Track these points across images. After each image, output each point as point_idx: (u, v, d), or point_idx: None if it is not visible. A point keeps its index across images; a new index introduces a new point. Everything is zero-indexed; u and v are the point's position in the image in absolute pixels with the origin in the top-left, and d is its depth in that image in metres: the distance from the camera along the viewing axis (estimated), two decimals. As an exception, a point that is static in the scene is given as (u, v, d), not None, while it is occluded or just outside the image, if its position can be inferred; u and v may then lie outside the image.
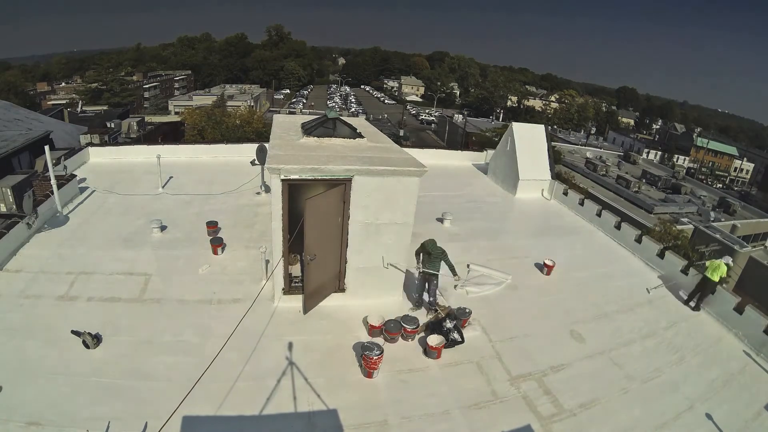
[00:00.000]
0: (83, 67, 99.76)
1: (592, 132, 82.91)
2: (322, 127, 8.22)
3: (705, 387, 7.03)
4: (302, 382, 6.19)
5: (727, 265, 8.93)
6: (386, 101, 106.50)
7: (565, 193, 14.41)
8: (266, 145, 10.76)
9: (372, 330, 7.17)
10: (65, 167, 12.26)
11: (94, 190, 12.06)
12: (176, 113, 62.67)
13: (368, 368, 6.33)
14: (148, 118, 44.25)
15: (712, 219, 33.09)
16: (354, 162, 7.12)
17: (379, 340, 6.97)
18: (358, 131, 8.45)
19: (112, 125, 32.89)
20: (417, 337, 7.29)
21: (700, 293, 9.11)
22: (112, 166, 14.32)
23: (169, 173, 13.14)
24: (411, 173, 7.21)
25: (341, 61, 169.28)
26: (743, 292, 19.97)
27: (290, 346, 6.86)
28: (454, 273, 7.77)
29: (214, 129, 28.65)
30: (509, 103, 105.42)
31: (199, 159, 15.46)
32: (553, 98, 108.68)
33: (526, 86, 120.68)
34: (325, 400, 5.95)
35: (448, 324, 7.25)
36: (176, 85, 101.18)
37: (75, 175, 11.93)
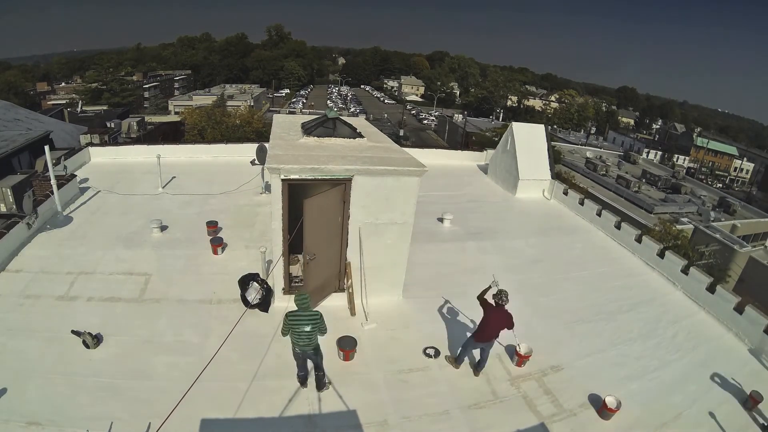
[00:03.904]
0: (83, 67, 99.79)
1: (592, 132, 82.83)
2: (322, 127, 8.21)
3: (705, 387, 7.03)
4: (302, 382, 6.18)
5: None
6: (386, 101, 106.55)
7: (565, 193, 14.41)
8: (266, 145, 10.75)
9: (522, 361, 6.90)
10: (65, 167, 12.25)
11: (97, 191, 12.04)
12: (176, 113, 62.60)
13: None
14: (148, 118, 44.26)
15: (712, 219, 33.09)
16: (354, 162, 7.12)
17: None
18: (358, 131, 8.44)
19: (112, 125, 32.94)
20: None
21: None
22: (113, 166, 14.31)
23: (169, 173, 13.13)
24: (411, 173, 7.20)
25: (341, 61, 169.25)
26: (743, 291, 19.93)
27: (290, 345, 6.84)
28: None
29: (214, 129, 28.62)
30: (509, 102, 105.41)
31: (199, 159, 15.45)
32: (553, 98, 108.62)
33: (526, 86, 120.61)
34: (325, 400, 5.95)
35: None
36: (176, 85, 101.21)
37: (75, 175, 11.92)
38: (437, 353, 7.02)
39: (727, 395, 6.91)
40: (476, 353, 6.76)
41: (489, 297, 6.42)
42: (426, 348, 7.09)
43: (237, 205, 11.75)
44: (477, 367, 6.72)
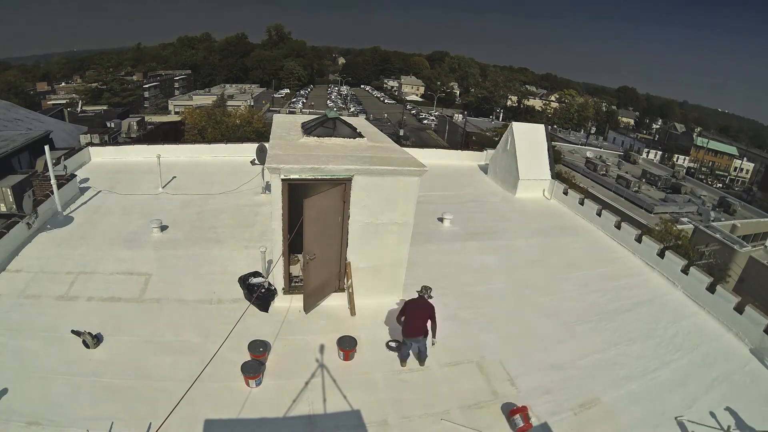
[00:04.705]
0: (83, 67, 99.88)
1: (592, 132, 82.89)
2: (322, 126, 8.21)
3: (705, 386, 7.03)
4: (302, 382, 6.19)
5: None
6: (386, 101, 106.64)
7: (565, 193, 14.41)
8: (266, 145, 10.75)
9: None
10: (65, 167, 12.25)
11: (97, 191, 12.04)
12: (176, 113, 62.70)
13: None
14: (148, 118, 44.36)
15: (712, 219, 33.12)
16: (354, 162, 7.12)
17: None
18: (358, 131, 8.44)
19: (112, 125, 32.98)
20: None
21: None
22: (113, 166, 14.31)
23: (169, 173, 13.13)
24: (411, 173, 7.21)
25: (341, 61, 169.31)
26: (743, 291, 19.96)
27: (290, 345, 6.86)
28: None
29: (214, 129, 28.63)
30: (509, 102, 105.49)
31: (199, 159, 15.45)
32: (553, 98, 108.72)
33: (526, 86, 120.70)
34: (325, 400, 5.95)
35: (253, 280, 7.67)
36: (176, 85, 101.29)
37: (75, 175, 11.92)
38: (400, 346, 7.00)
39: (727, 395, 6.91)
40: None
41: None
42: (389, 341, 7.12)
43: (237, 205, 11.75)
44: (419, 359, 6.81)
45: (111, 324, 6.90)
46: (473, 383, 6.58)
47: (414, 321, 6.46)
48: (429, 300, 6.62)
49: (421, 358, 6.79)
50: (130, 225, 10.21)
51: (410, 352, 6.72)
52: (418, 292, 6.71)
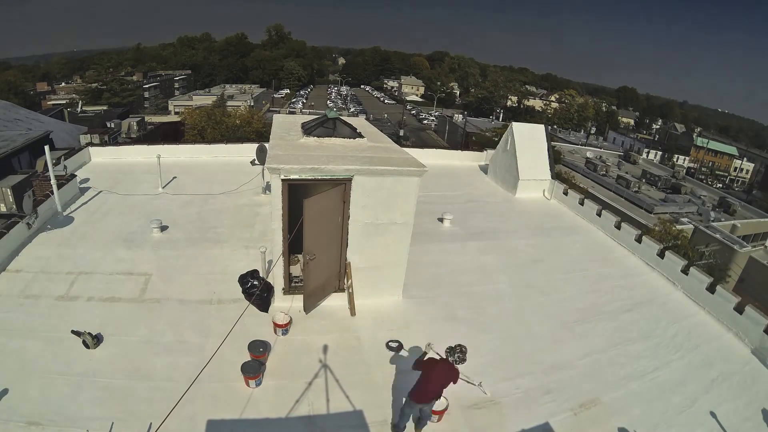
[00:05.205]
0: (83, 67, 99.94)
1: (592, 132, 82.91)
2: (322, 127, 8.21)
3: (705, 387, 7.03)
4: (302, 382, 6.19)
5: None
6: (386, 101, 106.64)
7: (565, 193, 14.41)
8: (266, 145, 10.75)
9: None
10: (65, 167, 12.24)
11: (97, 191, 12.03)
12: (176, 113, 62.73)
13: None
14: (148, 118, 44.38)
15: (712, 219, 33.14)
16: (354, 162, 7.12)
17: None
18: (358, 131, 8.44)
19: (112, 125, 33.00)
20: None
21: None
22: (113, 166, 14.31)
23: (169, 173, 13.13)
24: (411, 173, 7.21)
25: (341, 61, 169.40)
26: (743, 291, 19.97)
27: (290, 345, 6.86)
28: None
29: (214, 129, 28.62)
30: (509, 102, 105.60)
31: (199, 159, 15.45)
32: (553, 98, 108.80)
33: (526, 86, 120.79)
34: (326, 400, 5.96)
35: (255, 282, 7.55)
36: (176, 85, 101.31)
37: (75, 175, 11.91)
38: (400, 346, 7.02)
39: (727, 395, 6.92)
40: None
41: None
42: (389, 341, 7.09)
43: (237, 205, 11.74)
44: (418, 424, 5.60)
45: (111, 324, 6.90)
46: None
47: (431, 385, 5.21)
48: (455, 364, 5.29)
49: (421, 423, 5.56)
50: (130, 225, 10.20)
51: (411, 417, 5.52)
52: (445, 352, 5.34)
